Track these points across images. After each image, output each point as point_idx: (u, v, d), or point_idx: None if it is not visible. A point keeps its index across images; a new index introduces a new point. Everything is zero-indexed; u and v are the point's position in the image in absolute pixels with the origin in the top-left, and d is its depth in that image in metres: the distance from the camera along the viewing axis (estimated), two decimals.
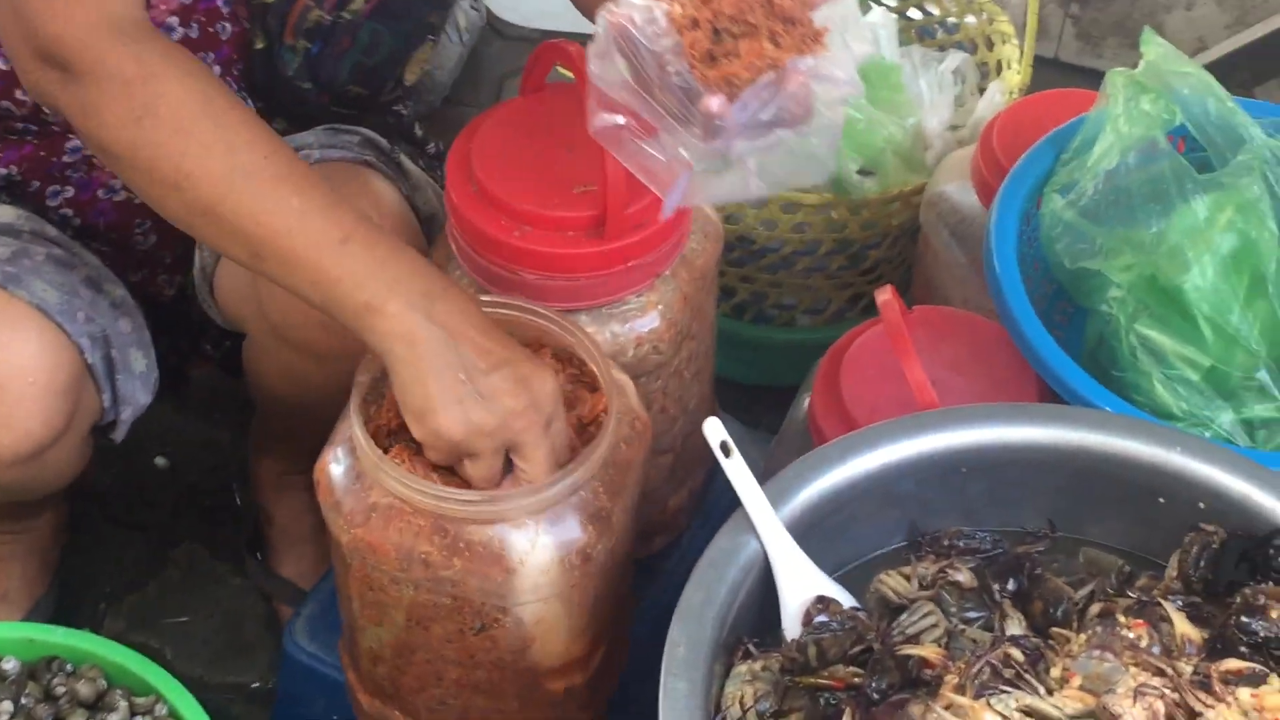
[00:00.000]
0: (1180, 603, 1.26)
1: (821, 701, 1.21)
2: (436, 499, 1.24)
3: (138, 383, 1.52)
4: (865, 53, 1.23)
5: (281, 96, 1.59)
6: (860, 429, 1.34)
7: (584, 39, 1.46)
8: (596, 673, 1.39)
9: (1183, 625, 1.17)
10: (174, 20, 1.49)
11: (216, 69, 1.53)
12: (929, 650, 1.18)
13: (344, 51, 1.58)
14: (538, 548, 1.25)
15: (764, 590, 1.28)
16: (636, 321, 1.44)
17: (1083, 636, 1.18)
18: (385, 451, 1.28)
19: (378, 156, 1.57)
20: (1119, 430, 1.33)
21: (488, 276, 1.42)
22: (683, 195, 1.20)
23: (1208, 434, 1.40)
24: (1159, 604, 1.19)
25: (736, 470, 1.27)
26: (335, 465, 1.31)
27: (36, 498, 1.63)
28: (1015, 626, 1.26)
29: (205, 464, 1.99)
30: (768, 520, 1.26)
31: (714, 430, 1.28)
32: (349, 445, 1.30)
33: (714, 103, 1.14)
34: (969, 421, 1.34)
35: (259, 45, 1.55)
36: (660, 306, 1.45)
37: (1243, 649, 1.18)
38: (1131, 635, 1.15)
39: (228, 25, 1.53)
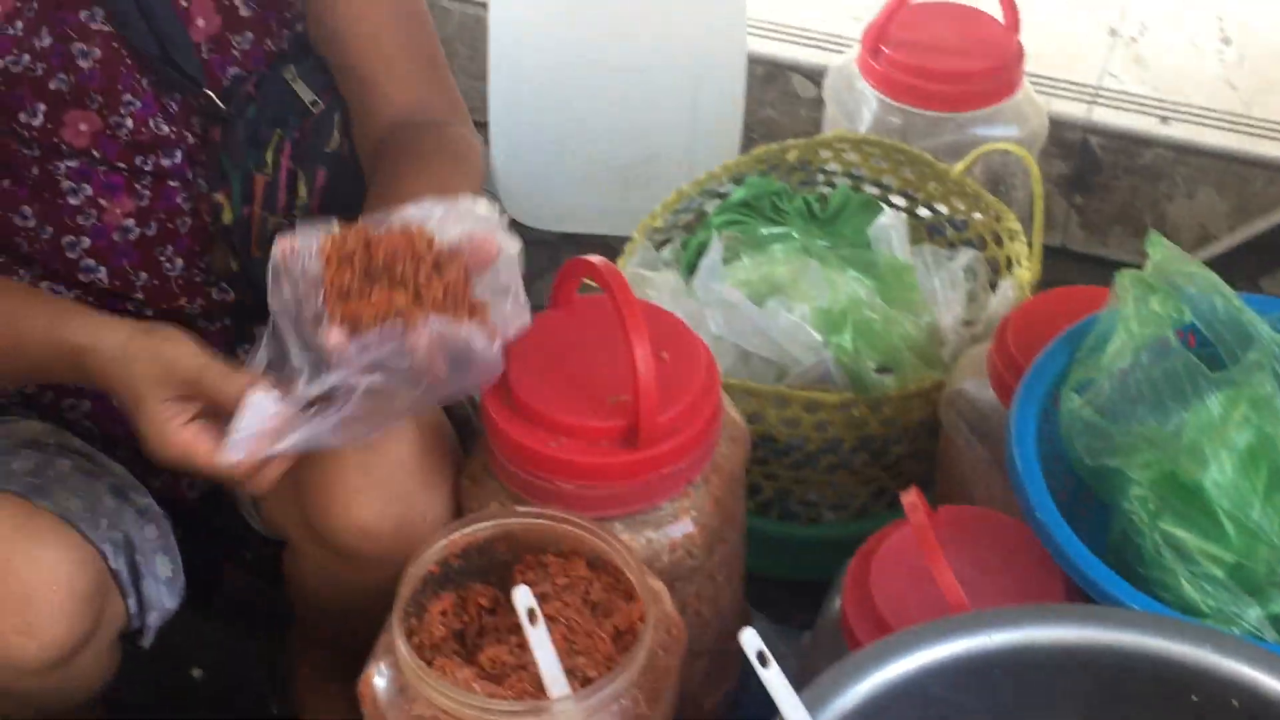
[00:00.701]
0: None
1: None
2: (481, 710, 1.26)
3: (164, 588, 1.55)
4: (520, 328, 1.35)
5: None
6: (894, 633, 1.36)
7: (603, 240, 1.52)
8: None
9: None
10: (130, 222, 1.53)
11: (179, 262, 1.57)
12: None
13: None
14: None
15: None
16: (670, 527, 1.47)
17: None
18: (429, 664, 1.31)
19: None
20: (1149, 628, 1.34)
21: (523, 485, 1.46)
22: (259, 424, 1.30)
23: (1237, 631, 1.42)
24: None
25: (774, 681, 1.29)
26: (379, 678, 1.33)
27: (67, 708, 1.65)
28: None
29: (241, 673, 2.00)
30: None
31: (750, 641, 1.30)
32: (392, 658, 1.32)
33: (333, 334, 1.23)
34: (999, 625, 1.35)
35: (234, 268, 1.59)
36: (693, 512, 1.48)
37: None
38: None
39: (187, 220, 1.57)
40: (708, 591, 1.54)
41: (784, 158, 2.21)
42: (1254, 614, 1.42)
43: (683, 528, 1.48)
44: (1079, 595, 1.49)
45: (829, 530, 2.01)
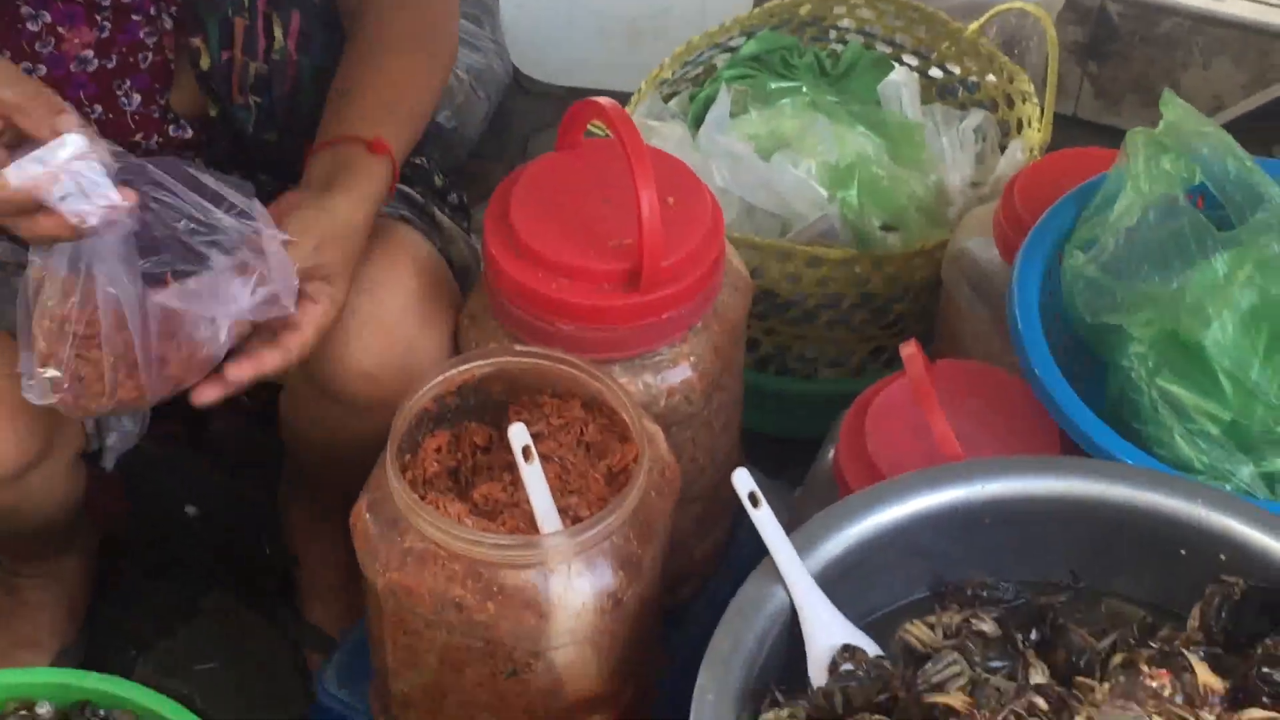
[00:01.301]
0: (1202, 653, 1.28)
1: None
2: (472, 543, 1.27)
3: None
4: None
5: (254, 154, 1.62)
6: (886, 480, 1.37)
7: (611, 94, 1.50)
8: (625, 715, 1.41)
9: (1205, 675, 1.18)
10: (89, 53, 1.50)
11: (137, 98, 1.54)
12: (955, 698, 1.20)
13: (292, 94, 1.59)
14: (571, 592, 1.28)
15: (790, 639, 1.30)
16: (669, 372, 1.47)
17: (1106, 685, 1.20)
18: (421, 499, 1.31)
19: (411, 210, 1.60)
20: (1141, 483, 1.35)
21: (524, 327, 1.45)
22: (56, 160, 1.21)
23: (1229, 487, 1.42)
24: (1181, 654, 1.21)
25: (764, 520, 1.29)
26: (371, 511, 1.34)
27: (31, 528, 1.64)
28: (1039, 675, 1.27)
29: (235, 513, 2.01)
30: (795, 570, 1.28)
31: (743, 481, 1.31)
32: (385, 491, 1.33)
33: None
34: (993, 474, 1.36)
35: (213, 113, 1.57)
36: (692, 358, 1.47)
37: (1265, 699, 1.19)
38: (1155, 685, 1.17)
39: (149, 55, 1.53)
40: (703, 439, 1.54)
41: (796, 12, 2.18)
42: (1247, 471, 1.42)
43: (681, 373, 1.48)
44: (1074, 451, 1.49)
45: (826, 387, 2.01)
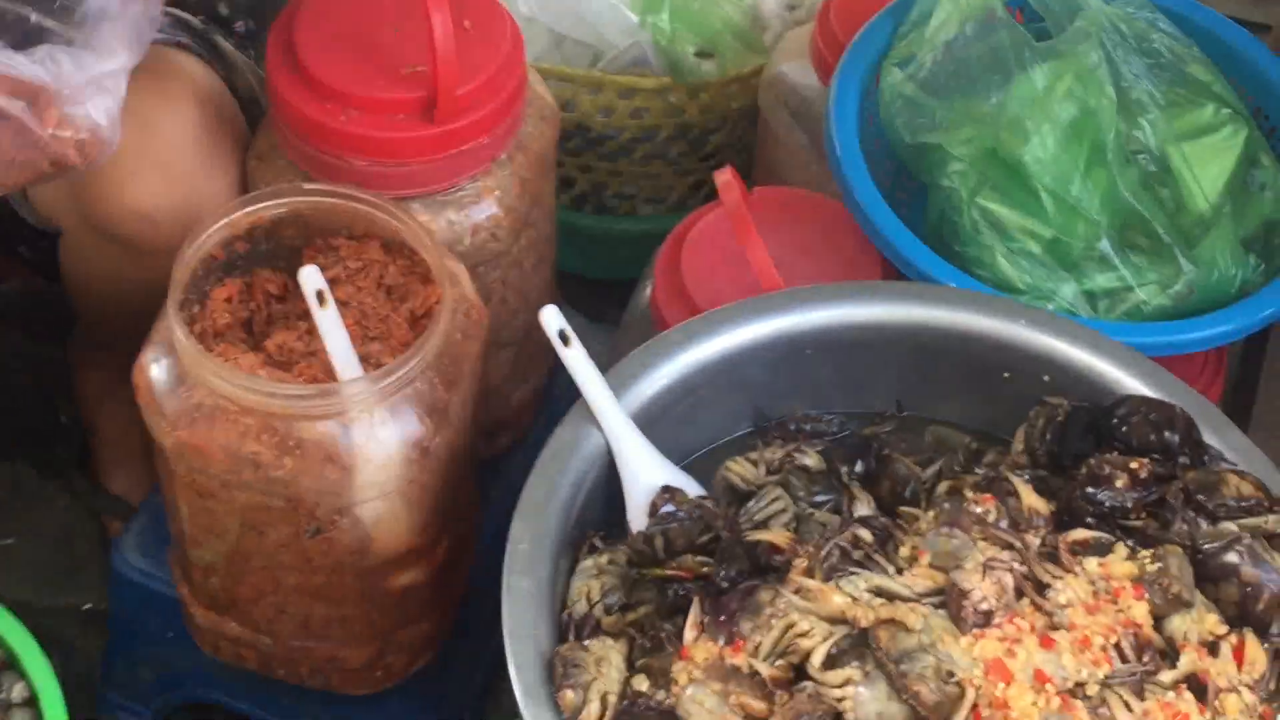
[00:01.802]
0: (1027, 476, 1.25)
1: (670, 593, 1.18)
2: (265, 395, 1.19)
3: None
4: None
5: None
6: (703, 314, 1.31)
7: None
8: (440, 570, 1.35)
9: (1030, 498, 1.16)
10: None
11: None
12: (777, 535, 1.16)
13: None
14: (373, 442, 1.20)
15: (608, 482, 1.24)
16: (473, 209, 1.39)
17: (931, 514, 1.16)
18: (207, 351, 1.22)
19: (190, 37, 1.48)
20: (963, 305, 1.31)
21: (314, 164, 1.36)
22: None
23: (1051, 306, 1.39)
24: (1006, 479, 1.18)
25: (576, 359, 1.23)
26: (155, 366, 1.25)
27: None
28: (864, 508, 1.24)
29: (27, 379, 1.89)
30: (610, 410, 1.23)
31: (551, 318, 1.24)
32: (169, 345, 1.23)
33: None
34: (813, 302, 1.31)
35: None
36: (497, 193, 1.39)
37: (1089, 520, 1.17)
38: (979, 510, 1.14)
39: None
40: (514, 278, 1.46)
41: None
42: (1069, 290, 1.40)
43: (486, 209, 1.39)
44: (896, 277, 1.44)
45: (645, 224, 1.94)
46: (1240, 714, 1.04)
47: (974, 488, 1.18)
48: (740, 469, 1.27)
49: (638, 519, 1.23)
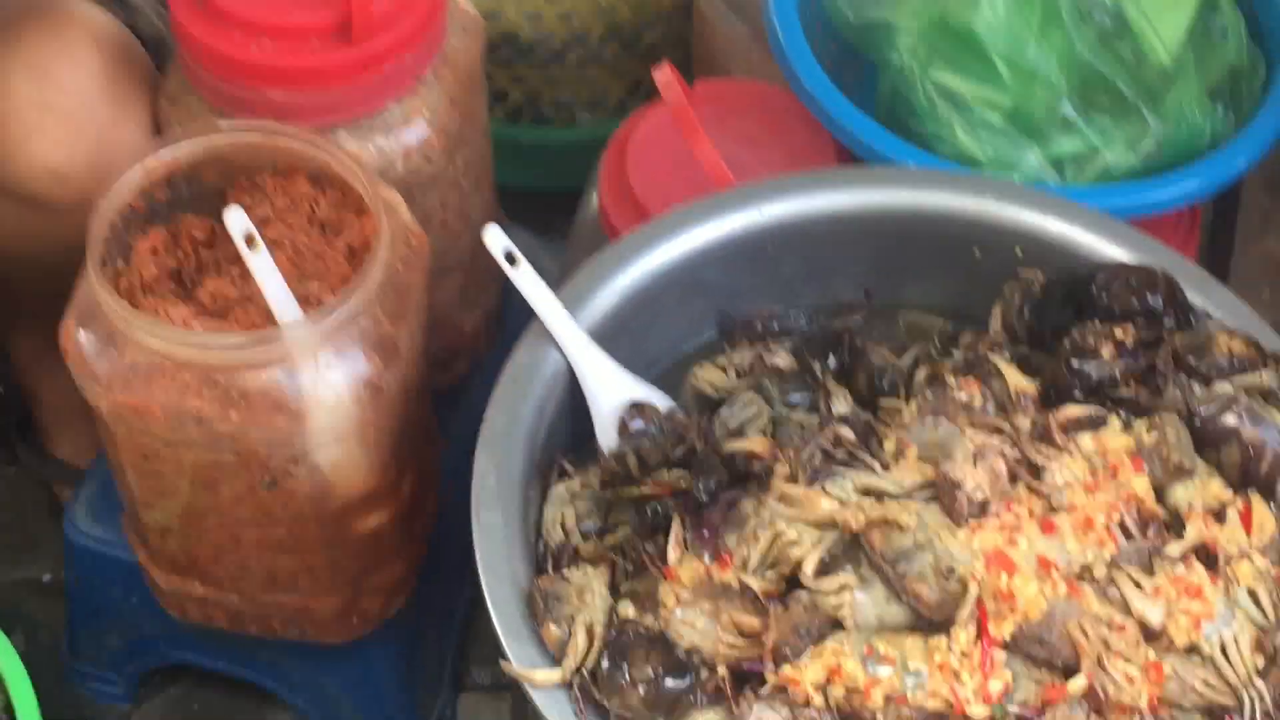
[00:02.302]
0: (1009, 355, 1.20)
1: (649, 512, 1.13)
2: (200, 347, 1.12)
3: None
4: None
5: None
6: (653, 219, 1.25)
7: None
8: (405, 510, 1.30)
9: (1014, 377, 1.10)
10: None
11: None
12: (755, 443, 1.10)
13: None
14: (322, 385, 1.14)
15: (573, 404, 1.19)
16: (402, 132, 1.31)
17: (913, 405, 1.11)
18: (133, 307, 1.15)
19: None
20: (925, 184, 1.25)
21: (228, 100, 1.28)
22: None
23: (1017, 177, 1.34)
24: (987, 359, 1.13)
25: (525, 279, 1.17)
26: (82, 329, 1.18)
27: None
28: (841, 404, 1.19)
29: None
30: (566, 328, 1.17)
31: (495, 239, 1.17)
32: (94, 305, 1.16)
33: None
34: (769, 196, 1.25)
35: None
36: (426, 113, 1.32)
37: (1078, 394, 1.12)
38: (963, 396, 1.09)
39: None
40: (453, 200, 1.39)
41: None
42: (1033, 158, 1.34)
43: (417, 132, 1.32)
44: (851, 162, 1.38)
45: (586, 132, 1.87)
46: (1254, 580, 0.99)
47: (954, 372, 1.13)
48: (709, 376, 1.21)
49: (607, 438, 1.18)
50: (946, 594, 0.97)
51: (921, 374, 1.19)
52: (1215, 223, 1.60)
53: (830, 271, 1.28)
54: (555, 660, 1.02)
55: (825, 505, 1.01)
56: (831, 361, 1.23)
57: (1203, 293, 1.19)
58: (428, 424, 1.34)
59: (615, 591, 1.07)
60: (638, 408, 1.17)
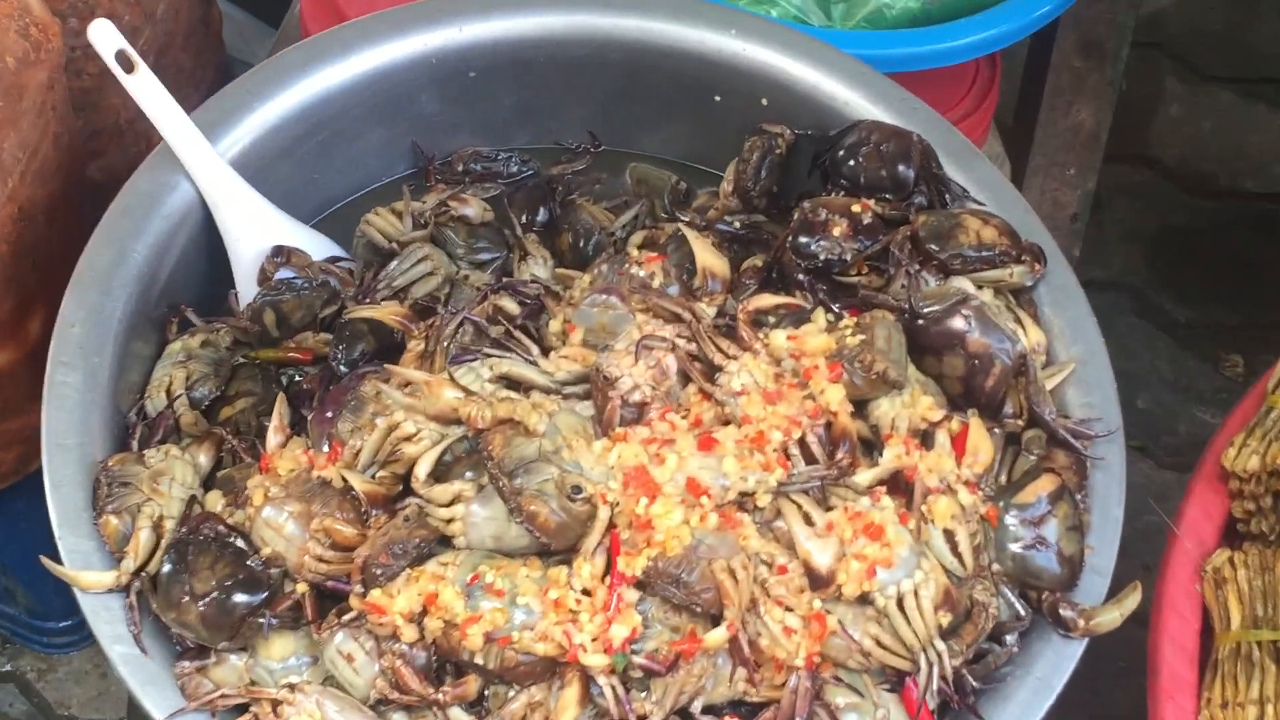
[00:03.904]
0: (738, 224, 1.02)
1: (285, 379, 0.95)
2: None
3: None
4: None
5: None
6: (329, 29, 1.04)
7: None
8: (35, 351, 1.10)
9: (706, 257, 0.92)
10: None
11: None
12: (384, 310, 0.92)
13: None
14: None
15: (209, 245, 0.99)
16: None
17: (587, 278, 0.93)
18: None
19: None
20: (658, 12, 1.05)
21: None
22: None
23: (774, 13, 1.14)
24: (679, 231, 0.95)
25: (145, 90, 0.96)
26: None
27: None
28: (539, 266, 1.01)
29: None
30: (199, 153, 0.97)
31: (104, 35, 0.95)
32: None
33: None
34: (470, 12, 1.05)
35: None
36: None
37: (800, 276, 0.95)
38: (641, 273, 0.90)
39: None
40: None
41: None
42: None
43: None
44: None
45: None
46: (953, 521, 0.83)
47: (652, 244, 0.95)
48: (382, 223, 1.02)
49: (246, 289, 0.99)
50: (571, 518, 0.79)
51: (636, 239, 1.02)
52: (1024, 91, 1.41)
53: (549, 111, 1.09)
54: (116, 560, 0.84)
55: (448, 395, 0.83)
56: (541, 215, 1.05)
57: (965, 168, 1.01)
58: (64, 250, 1.14)
59: (214, 477, 0.90)
60: (284, 254, 0.98)
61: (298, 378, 0.96)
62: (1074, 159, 1.34)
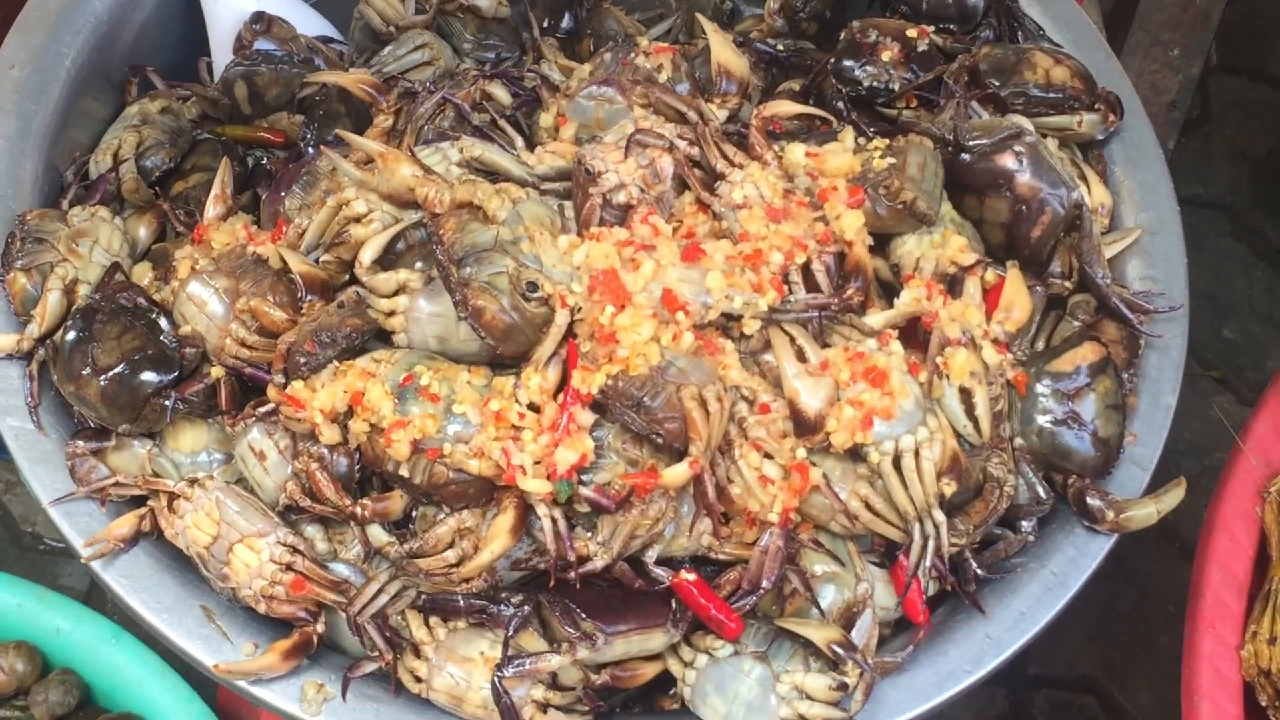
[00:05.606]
0: (780, 47, 0.91)
1: (251, 161, 0.85)
2: None
3: None
4: None
5: None
6: None
7: None
8: None
9: (723, 52, 0.80)
10: None
11: None
12: (350, 77, 0.82)
13: None
14: None
15: (185, 1, 0.89)
16: None
17: (587, 67, 0.82)
18: None
19: None
20: None
21: None
22: None
23: None
24: (695, 20, 0.83)
25: None
26: None
27: None
28: (553, 69, 0.90)
29: None
30: None
31: None
32: None
33: None
34: None
35: None
36: None
37: (839, 105, 0.83)
38: (647, 65, 0.79)
39: None
40: None
41: None
42: None
43: None
44: None
45: None
46: (971, 379, 0.71)
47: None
48: (382, 3, 0.92)
49: (221, 57, 0.89)
50: (524, 318, 0.68)
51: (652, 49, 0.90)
52: None
53: None
54: (21, 324, 0.74)
55: (405, 172, 0.72)
56: (566, 21, 0.94)
57: (1045, 3, 0.88)
58: None
59: (150, 249, 0.80)
60: (265, 22, 0.87)
61: (265, 161, 0.86)
62: (1179, 38, 1.19)
